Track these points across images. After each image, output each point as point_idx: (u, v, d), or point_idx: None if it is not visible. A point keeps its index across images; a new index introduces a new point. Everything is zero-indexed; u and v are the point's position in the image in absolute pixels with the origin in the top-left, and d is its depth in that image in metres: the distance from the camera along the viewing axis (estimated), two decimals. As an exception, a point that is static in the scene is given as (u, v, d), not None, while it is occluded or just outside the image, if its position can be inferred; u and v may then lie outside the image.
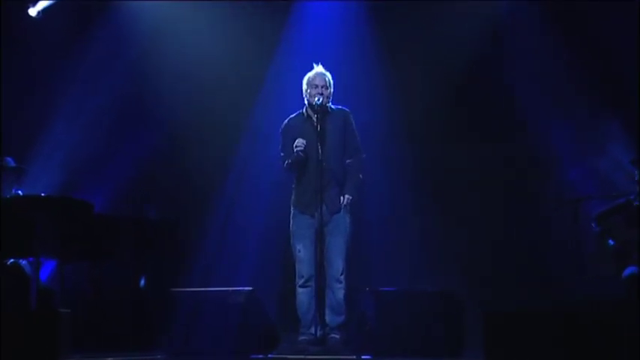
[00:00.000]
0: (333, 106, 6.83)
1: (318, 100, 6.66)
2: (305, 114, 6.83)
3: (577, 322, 4.96)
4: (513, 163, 8.31)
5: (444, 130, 8.44)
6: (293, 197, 6.84)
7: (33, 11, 8.36)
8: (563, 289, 7.51)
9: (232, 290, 6.83)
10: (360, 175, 6.81)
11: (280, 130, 6.92)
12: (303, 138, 6.61)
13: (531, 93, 8.15)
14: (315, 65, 6.86)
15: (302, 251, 6.70)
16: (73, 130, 8.41)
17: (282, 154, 6.84)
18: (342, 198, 6.68)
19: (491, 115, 8.36)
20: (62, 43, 8.49)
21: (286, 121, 6.91)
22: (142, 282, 7.32)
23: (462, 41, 8.39)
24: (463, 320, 6.68)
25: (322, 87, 6.74)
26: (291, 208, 6.81)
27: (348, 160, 6.81)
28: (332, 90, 6.79)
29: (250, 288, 6.86)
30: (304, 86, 6.82)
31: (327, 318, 6.63)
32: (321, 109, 6.67)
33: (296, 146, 6.60)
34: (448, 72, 8.43)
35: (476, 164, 8.34)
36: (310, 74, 6.84)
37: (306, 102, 6.82)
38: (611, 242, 6.76)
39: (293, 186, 6.84)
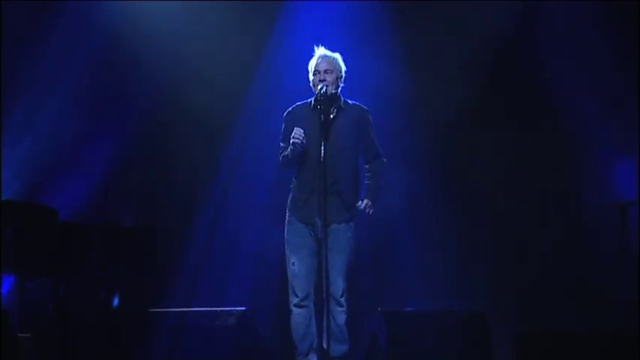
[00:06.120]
0: (349, 101, 6.78)
1: (322, 88, 6.59)
2: (312, 103, 6.76)
3: (621, 344, 4.98)
4: (549, 161, 8.34)
5: (470, 122, 8.48)
6: (289, 200, 6.78)
7: None
8: (607, 306, 7.57)
9: (222, 311, 6.86)
10: (382, 182, 6.77)
11: (283, 116, 6.83)
12: (306, 130, 6.50)
13: (571, 77, 8.18)
14: (316, 48, 6.83)
15: (297, 264, 6.59)
16: (35, 125, 8.41)
17: (281, 144, 6.75)
18: (360, 202, 6.63)
19: (525, 103, 8.41)
20: (23, 26, 8.51)
21: (292, 107, 6.84)
22: (116, 301, 7.33)
23: (491, 19, 8.45)
24: (491, 344, 6.72)
25: (325, 72, 6.62)
26: (287, 212, 6.78)
27: (366, 165, 6.79)
28: (342, 74, 6.74)
29: (243, 308, 6.89)
30: (309, 74, 6.79)
31: (329, 346, 6.56)
32: (325, 99, 6.55)
33: (292, 137, 6.53)
34: (475, 53, 8.49)
35: (505, 162, 8.39)
36: (312, 59, 6.78)
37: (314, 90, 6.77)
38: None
39: (291, 186, 6.81)
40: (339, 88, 6.70)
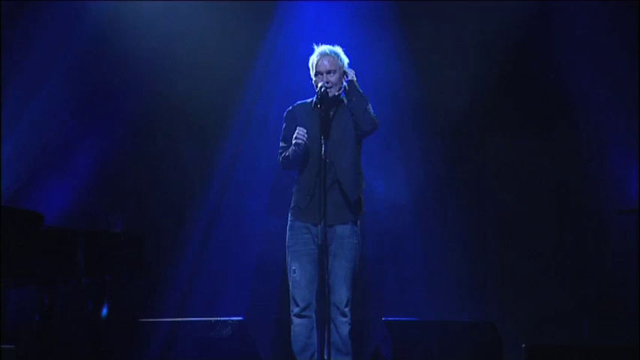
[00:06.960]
0: None
1: (322, 87, 6.42)
2: (314, 102, 6.64)
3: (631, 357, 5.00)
4: (563, 165, 8.33)
5: (478, 125, 8.49)
6: (292, 205, 6.67)
7: None
8: (623, 317, 7.61)
9: (216, 321, 6.83)
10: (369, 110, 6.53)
11: (284, 116, 6.72)
12: (308, 129, 6.40)
13: (586, 78, 8.15)
14: (315, 46, 6.67)
15: (298, 272, 6.46)
16: (20, 124, 8.33)
17: (282, 144, 6.63)
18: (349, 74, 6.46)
19: (537, 104, 8.39)
20: (7, 24, 8.40)
21: (292, 106, 6.72)
22: (104, 310, 7.25)
23: (504, 18, 8.43)
24: (501, 356, 6.64)
25: (327, 73, 6.54)
26: (289, 215, 6.64)
27: None
28: (346, 70, 6.56)
29: (239, 318, 6.80)
30: (310, 70, 6.66)
31: (330, 358, 6.46)
32: (324, 99, 6.39)
33: (295, 137, 6.41)
34: (484, 53, 8.44)
35: (515, 165, 8.37)
36: (313, 57, 6.65)
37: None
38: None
39: (293, 189, 6.66)
40: (344, 84, 6.55)
